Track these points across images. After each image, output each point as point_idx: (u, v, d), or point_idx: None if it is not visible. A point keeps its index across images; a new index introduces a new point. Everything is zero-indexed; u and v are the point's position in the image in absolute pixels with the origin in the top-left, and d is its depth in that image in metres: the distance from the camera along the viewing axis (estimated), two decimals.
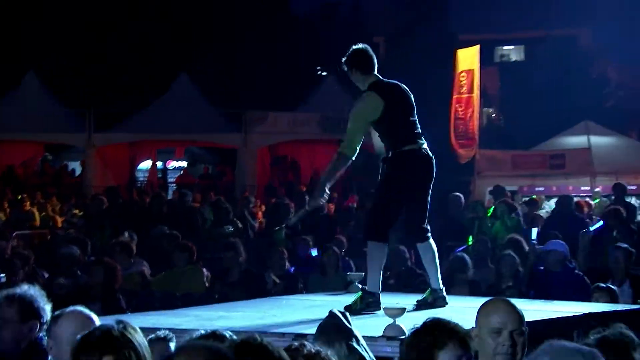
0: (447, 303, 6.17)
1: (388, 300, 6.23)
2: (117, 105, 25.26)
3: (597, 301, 6.75)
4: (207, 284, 9.30)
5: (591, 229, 8.90)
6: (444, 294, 6.23)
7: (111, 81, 31.34)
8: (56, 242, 12.18)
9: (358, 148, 6.09)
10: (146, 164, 26.76)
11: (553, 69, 35.98)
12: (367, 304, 5.96)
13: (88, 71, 31.57)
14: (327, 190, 6.18)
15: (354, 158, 6.12)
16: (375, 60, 6.23)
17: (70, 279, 8.49)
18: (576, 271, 8.25)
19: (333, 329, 3.90)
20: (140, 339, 2.87)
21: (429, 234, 6.30)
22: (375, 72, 6.22)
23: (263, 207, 18.96)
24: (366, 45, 6.27)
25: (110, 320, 3.15)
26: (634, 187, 18.90)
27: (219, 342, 3.06)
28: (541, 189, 19.46)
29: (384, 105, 6.04)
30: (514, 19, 47.89)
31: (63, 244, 9.90)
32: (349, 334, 3.85)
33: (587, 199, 14.98)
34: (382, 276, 8.78)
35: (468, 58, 20.92)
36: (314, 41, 36.87)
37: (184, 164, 28.87)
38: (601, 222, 9.12)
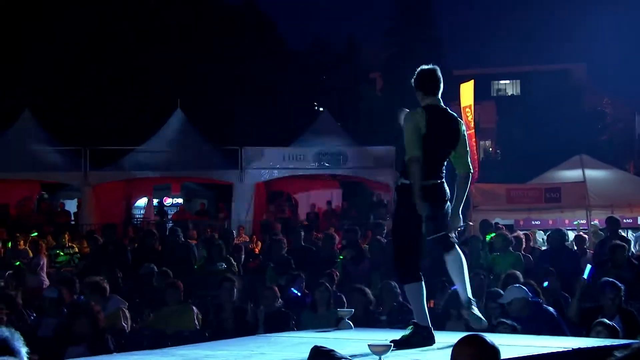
0: (480, 319, 5.88)
1: (379, 336, 6.17)
2: (113, 143, 25.29)
3: (597, 336, 6.66)
4: (197, 323, 9.22)
5: (585, 276, 8.69)
6: (473, 307, 5.91)
7: (107, 118, 31.38)
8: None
9: (419, 147, 5.82)
10: (143, 201, 26.73)
11: (548, 103, 36.13)
12: (422, 338, 5.82)
13: (83, 109, 31.60)
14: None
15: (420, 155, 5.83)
16: (439, 85, 6.05)
17: (56, 319, 8.40)
18: (544, 306, 8.10)
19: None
20: None
21: (454, 241, 6.00)
22: (437, 96, 6.03)
23: (259, 244, 18.91)
24: (434, 67, 6.11)
25: None
26: (629, 220, 18.89)
27: None
28: (537, 222, 19.41)
29: (426, 130, 5.85)
30: (509, 54, 48.34)
31: (51, 284, 9.80)
32: None
33: (582, 233, 14.89)
34: (375, 312, 8.75)
35: (467, 93, 21.11)
36: (310, 77, 37.04)
37: (181, 200, 28.84)
38: (589, 267, 8.95)
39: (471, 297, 5.95)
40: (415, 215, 5.86)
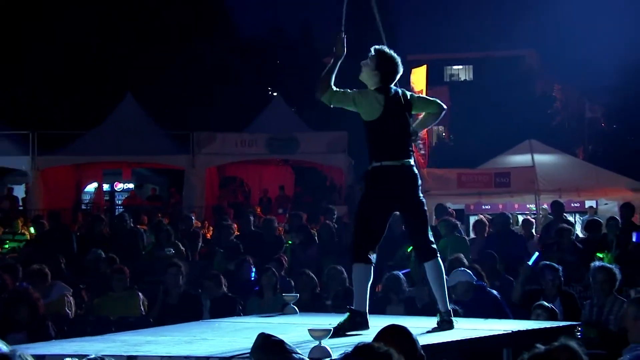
0: (453, 327, 5.81)
1: (323, 321, 6.16)
2: (62, 127, 24.87)
3: (537, 318, 6.75)
4: (142, 309, 9.13)
5: (530, 262, 8.80)
6: (451, 317, 5.89)
7: (55, 102, 30.88)
8: None
9: (334, 103, 5.99)
10: (93, 187, 26.41)
11: (500, 88, 36.48)
12: (354, 324, 5.80)
13: (31, 92, 31.07)
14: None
15: (325, 101, 5.98)
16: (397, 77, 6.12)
17: None
18: (488, 289, 8.18)
19: (264, 350, 3.87)
20: None
21: (434, 252, 5.98)
22: (390, 85, 6.06)
23: (211, 229, 18.79)
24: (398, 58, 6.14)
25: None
26: (577, 205, 19.19)
27: None
28: (487, 207, 19.61)
29: (382, 112, 5.89)
30: (462, 40, 48.61)
31: None
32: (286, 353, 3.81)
33: (529, 217, 15.07)
34: (321, 296, 8.76)
35: (419, 78, 21.23)
36: (264, 62, 36.86)
37: (132, 185, 28.53)
38: (537, 254, 9.07)
39: (449, 307, 5.95)
40: (380, 200, 5.89)
